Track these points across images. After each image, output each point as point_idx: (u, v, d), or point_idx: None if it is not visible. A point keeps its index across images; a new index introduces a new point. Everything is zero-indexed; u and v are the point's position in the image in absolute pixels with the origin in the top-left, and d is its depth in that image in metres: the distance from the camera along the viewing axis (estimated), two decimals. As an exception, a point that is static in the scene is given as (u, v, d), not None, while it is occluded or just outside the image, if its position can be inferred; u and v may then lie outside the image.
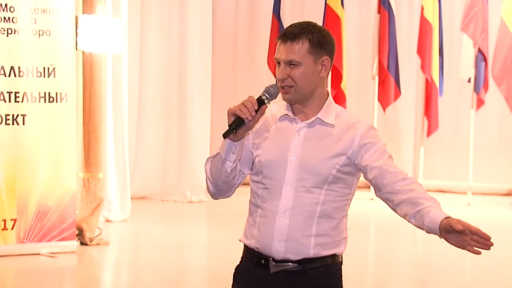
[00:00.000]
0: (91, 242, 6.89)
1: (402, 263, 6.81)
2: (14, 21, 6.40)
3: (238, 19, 11.18)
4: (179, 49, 9.68)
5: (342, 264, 2.71)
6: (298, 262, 2.61)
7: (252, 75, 11.07)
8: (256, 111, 2.54)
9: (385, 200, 2.59)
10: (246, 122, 2.52)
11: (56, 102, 6.52)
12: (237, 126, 2.51)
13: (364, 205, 9.56)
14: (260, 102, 2.56)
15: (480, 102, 9.73)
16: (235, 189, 2.74)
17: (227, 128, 2.52)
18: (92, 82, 7.12)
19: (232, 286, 2.78)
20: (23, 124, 6.44)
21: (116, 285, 6.15)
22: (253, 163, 2.70)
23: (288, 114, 2.67)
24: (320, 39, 2.62)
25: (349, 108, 10.10)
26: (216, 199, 2.77)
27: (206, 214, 9.22)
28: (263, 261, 2.64)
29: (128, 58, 8.34)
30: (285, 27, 2.66)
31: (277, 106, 2.72)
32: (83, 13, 6.95)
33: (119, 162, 8.19)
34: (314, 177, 2.59)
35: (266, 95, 2.59)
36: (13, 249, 6.42)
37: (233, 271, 2.78)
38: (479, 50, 9.54)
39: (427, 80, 9.75)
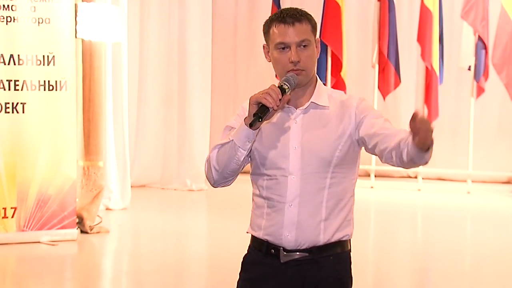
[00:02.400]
0: (91, 230, 6.90)
1: (402, 251, 6.83)
2: (13, 9, 6.38)
3: (238, 7, 11.16)
4: (179, 37, 9.66)
5: (351, 251, 2.72)
6: (308, 251, 2.61)
7: (252, 63, 11.06)
8: (279, 100, 2.51)
9: (387, 161, 2.56)
10: (270, 111, 2.49)
11: (56, 90, 6.51)
12: (263, 114, 2.47)
13: (364, 193, 9.57)
14: (282, 91, 2.52)
15: (480, 90, 9.72)
16: (235, 178, 2.72)
17: (252, 116, 2.48)
18: (92, 70, 7.11)
19: (240, 274, 2.77)
20: (23, 112, 6.43)
21: (116, 273, 6.17)
22: (250, 157, 2.68)
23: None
24: (314, 21, 2.67)
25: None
26: (216, 187, 2.73)
27: (206, 203, 9.23)
28: (273, 250, 2.63)
29: (128, 46, 8.33)
30: (280, 16, 2.62)
31: None
32: (82, 1, 6.94)
33: (119, 150, 8.20)
34: (319, 162, 2.59)
35: (287, 84, 2.55)
36: (13, 237, 6.43)
37: (241, 260, 2.77)
38: (479, 38, 9.52)
39: (427, 68, 9.74)
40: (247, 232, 2.75)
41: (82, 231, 6.87)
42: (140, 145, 9.63)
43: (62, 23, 6.55)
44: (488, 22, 9.50)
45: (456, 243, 7.09)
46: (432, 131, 2.34)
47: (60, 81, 6.52)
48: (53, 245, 6.46)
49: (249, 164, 2.73)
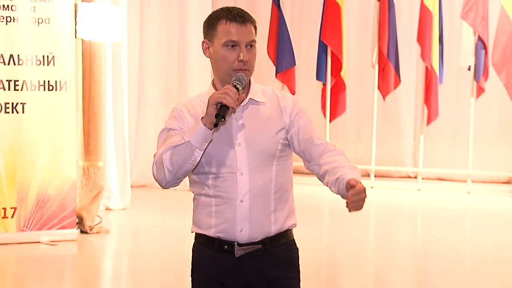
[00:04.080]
0: (91, 230, 6.90)
1: (401, 251, 6.83)
2: (13, 9, 6.38)
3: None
4: (179, 37, 9.67)
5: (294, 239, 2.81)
6: (261, 242, 2.68)
7: (252, 63, 11.06)
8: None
9: (312, 170, 2.72)
10: (230, 110, 2.53)
11: (56, 90, 6.51)
12: (225, 114, 2.51)
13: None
14: (237, 90, 2.57)
15: (480, 90, 9.72)
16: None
17: (214, 117, 2.50)
18: (92, 70, 7.11)
19: (192, 276, 2.80)
20: (23, 112, 6.43)
21: (116, 273, 6.17)
22: None
23: None
24: (256, 25, 2.72)
25: (349, 97, 10.12)
26: (166, 188, 2.72)
27: (206, 202, 9.22)
28: (226, 246, 2.68)
29: (127, 46, 8.34)
30: (230, 14, 2.65)
31: (203, 95, 2.73)
32: (82, 1, 6.94)
33: (119, 150, 8.20)
34: (263, 156, 2.66)
35: (239, 83, 2.59)
36: (13, 237, 6.44)
37: (191, 262, 2.79)
38: (479, 38, 9.52)
39: (427, 68, 9.74)
40: (192, 232, 2.79)
41: (82, 231, 6.87)
42: (140, 145, 9.63)
43: (62, 23, 6.55)
44: (488, 22, 9.50)
45: (456, 243, 7.09)
46: (363, 200, 2.47)
47: (60, 81, 6.52)
48: (53, 245, 6.46)
49: None
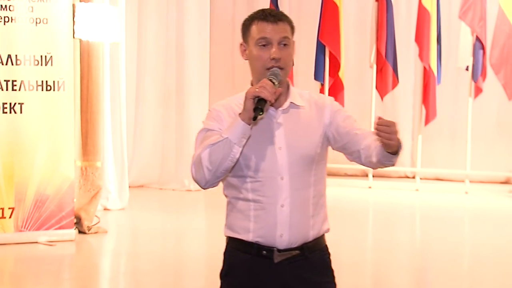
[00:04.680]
0: (89, 230, 6.90)
1: (400, 251, 6.83)
2: (11, 9, 6.38)
3: (236, 6, 11.15)
4: (177, 37, 9.66)
5: None
6: (300, 248, 2.66)
7: (250, 64, 11.05)
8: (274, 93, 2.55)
9: (356, 160, 2.70)
10: (267, 104, 2.51)
11: (54, 90, 6.51)
12: (263, 107, 2.49)
13: (362, 193, 9.59)
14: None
15: (478, 90, 9.72)
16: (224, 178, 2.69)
17: (253, 111, 2.48)
18: (90, 71, 7.11)
19: (224, 279, 2.76)
20: (21, 112, 6.43)
21: (114, 273, 6.16)
22: None
23: None
24: (293, 25, 2.71)
25: (347, 97, 10.12)
26: (205, 189, 2.67)
27: (204, 203, 9.23)
28: (265, 252, 2.65)
29: (125, 46, 8.33)
30: (262, 14, 2.67)
31: (240, 97, 2.66)
32: (80, 1, 6.94)
33: (117, 150, 8.20)
34: (303, 160, 2.64)
35: (275, 78, 2.57)
36: (11, 238, 6.43)
37: (223, 264, 2.76)
38: (477, 38, 9.52)
39: (425, 68, 9.74)
40: (226, 236, 2.74)
41: (80, 232, 6.86)
42: (138, 145, 9.62)
43: (59, 23, 6.54)
44: (486, 22, 9.50)
45: (454, 243, 7.09)
46: (396, 133, 2.49)
47: (58, 81, 6.51)
48: (51, 245, 6.46)
49: None
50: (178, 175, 9.57)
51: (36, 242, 6.48)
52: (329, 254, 2.78)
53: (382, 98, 10.00)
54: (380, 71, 9.84)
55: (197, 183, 2.65)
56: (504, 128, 10.43)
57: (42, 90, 6.48)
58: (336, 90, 9.98)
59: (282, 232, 2.63)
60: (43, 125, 6.49)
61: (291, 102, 2.68)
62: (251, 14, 2.71)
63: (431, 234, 7.55)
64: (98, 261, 6.53)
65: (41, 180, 6.48)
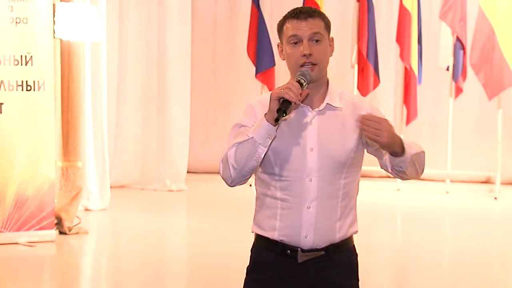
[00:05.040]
0: (70, 231, 6.87)
1: (381, 250, 6.85)
2: (-10, 8, 6.33)
3: (218, 7, 11.15)
4: (158, 36, 9.64)
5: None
6: (325, 249, 2.65)
7: (232, 64, 11.06)
8: (300, 94, 2.52)
9: (384, 166, 2.69)
10: (292, 105, 2.49)
11: (34, 90, 6.47)
12: (287, 109, 2.47)
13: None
14: (300, 85, 2.52)
15: (458, 90, 9.78)
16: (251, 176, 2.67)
17: (276, 112, 2.46)
18: (70, 71, 7.07)
19: (249, 275, 2.75)
20: (1, 112, 6.39)
21: (95, 274, 6.14)
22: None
23: (299, 104, 2.62)
24: (328, 19, 2.70)
25: (328, 97, 10.14)
26: (232, 186, 2.67)
27: (186, 203, 9.22)
28: (289, 251, 2.64)
29: (106, 46, 8.30)
30: (293, 12, 2.67)
31: None
32: (60, 0, 6.90)
33: (98, 150, 8.16)
34: (335, 164, 2.61)
35: (303, 78, 2.55)
36: (-9, 239, 6.38)
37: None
38: (457, 39, 9.58)
39: (406, 68, 9.78)
40: (253, 232, 2.74)
41: (60, 232, 6.83)
42: (119, 146, 9.59)
43: (39, 23, 6.51)
44: (466, 23, 9.55)
45: (435, 243, 7.12)
46: (385, 130, 2.47)
47: (38, 81, 6.48)
48: (31, 246, 6.42)
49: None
50: (159, 175, 9.55)
51: (16, 243, 6.44)
52: (356, 255, 2.78)
53: (363, 98, 10.03)
54: (361, 71, 9.86)
55: (224, 181, 2.66)
56: (484, 128, 10.49)
57: (22, 90, 6.44)
58: (318, 90, 9.99)
59: (306, 233, 2.62)
60: (23, 125, 6.45)
61: (327, 104, 2.65)
62: (285, 14, 2.70)
63: (412, 234, 7.58)
64: (79, 261, 6.50)
65: (22, 180, 6.44)
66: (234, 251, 6.36)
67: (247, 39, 10.01)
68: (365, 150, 2.72)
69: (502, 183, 9.86)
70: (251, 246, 2.76)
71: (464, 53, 9.58)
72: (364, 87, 9.89)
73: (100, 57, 8.08)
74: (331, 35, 2.72)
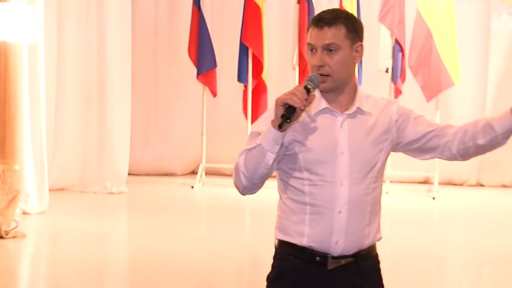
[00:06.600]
0: (7, 235, 6.74)
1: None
2: None
3: (158, 8, 11.09)
4: (98, 37, 9.54)
5: None
6: (354, 255, 2.62)
7: (173, 65, 11.01)
8: (306, 99, 2.47)
9: (451, 148, 2.67)
10: (297, 111, 2.44)
11: (-31, 91, 6.33)
12: (290, 115, 2.43)
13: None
14: (307, 91, 2.48)
15: (397, 92, 9.92)
16: (263, 184, 2.61)
17: (280, 118, 2.43)
18: (7, 72, 6.95)
19: (271, 282, 2.68)
20: None
21: (34, 278, 6.03)
22: (281, 159, 2.59)
23: (328, 107, 2.61)
24: (355, 24, 2.63)
25: (270, 98, 10.17)
26: (244, 194, 2.62)
27: (127, 206, 9.14)
28: (318, 258, 2.59)
29: (45, 46, 8.17)
30: (315, 18, 2.59)
31: None
32: (-3, 0, 6.77)
33: (37, 153, 8.03)
34: (365, 168, 2.60)
35: (311, 83, 2.51)
36: None
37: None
38: (396, 41, 9.72)
39: (346, 70, 9.88)
40: (277, 238, 2.68)
41: (-3, 236, 6.70)
42: (58, 148, 9.44)
43: (-25, 22, 6.37)
44: (405, 26, 9.71)
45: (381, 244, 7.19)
46: None
47: (-27, 82, 6.34)
48: (-33, 251, 6.28)
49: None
50: (100, 178, 9.45)
51: (-49, 248, 6.29)
52: (379, 262, 2.75)
53: (304, 100, 10.10)
54: (302, 72, 9.93)
55: (237, 189, 2.60)
56: (422, 129, 10.66)
57: (-43, 91, 6.29)
58: (259, 92, 10.03)
59: (337, 239, 2.57)
60: (-42, 127, 6.30)
61: (358, 108, 2.62)
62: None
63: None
64: (16, 266, 6.38)
65: (-44, 184, 6.29)
66: (175, 254, 6.34)
67: (188, 40, 9.98)
68: (399, 151, 2.76)
69: (440, 183, 10.05)
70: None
71: (403, 55, 9.73)
72: (305, 89, 9.95)
73: (38, 58, 7.95)
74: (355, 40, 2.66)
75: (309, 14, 9.77)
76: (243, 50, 9.88)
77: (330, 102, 2.61)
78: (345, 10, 2.67)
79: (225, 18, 10.83)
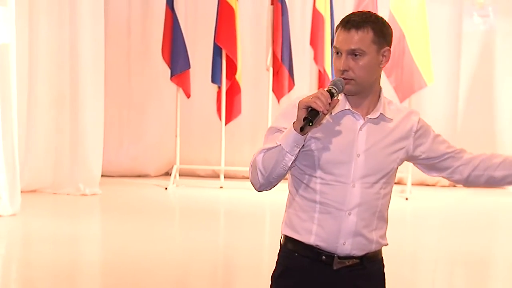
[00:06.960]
0: (-22, 237, 6.66)
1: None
2: None
3: (131, 8, 11.04)
4: (70, 38, 9.46)
5: None
6: (360, 257, 2.64)
7: (146, 66, 10.97)
8: (329, 104, 2.46)
9: (462, 173, 2.74)
10: (320, 115, 2.43)
11: None
12: (313, 118, 2.42)
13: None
14: (331, 95, 2.47)
15: (371, 93, 9.97)
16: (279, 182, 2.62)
17: (302, 121, 2.42)
18: (-22, 72, 6.87)
19: (276, 280, 2.69)
20: None
21: (5, 281, 5.97)
22: (298, 157, 2.57)
23: (350, 109, 2.61)
24: (383, 28, 2.61)
25: (244, 99, 10.18)
26: (260, 191, 2.62)
27: (100, 207, 9.08)
28: (324, 257, 2.60)
29: (16, 47, 8.09)
30: (343, 20, 2.62)
31: None
32: (-33, 0, 6.69)
33: (8, 154, 7.95)
34: (378, 172, 2.61)
35: (335, 88, 2.49)
36: None
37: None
38: (370, 42, 9.76)
39: (319, 71, 9.92)
40: (283, 234, 2.69)
41: (-32, 239, 6.62)
42: (30, 149, 9.36)
43: None
44: (378, 27, 9.75)
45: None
46: None
47: None
48: None
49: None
50: (72, 179, 9.38)
51: None
52: (383, 265, 2.78)
53: (278, 101, 10.11)
54: (276, 74, 9.95)
55: (252, 185, 2.60)
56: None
57: None
58: (233, 93, 10.03)
59: (345, 240, 2.59)
60: None
61: (381, 113, 2.63)
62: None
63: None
64: (-12, 269, 6.32)
65: None
66: (149, 255, 6.31)
67: (162, 41, 9.95)
68: (412, 162, 2.76)
69: (413, 184, 10.12)
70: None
71: (376, 56, 9.77)
72: (279, 90, 9.98)
73: (9, 59, 7.87)
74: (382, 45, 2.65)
75: (282, 15, 9.80)
76: (217, 51, 9.87)
77: (353, 104, 2.62)
78: (375, 13, 2.65)
79: (198, 19, 10.80)
